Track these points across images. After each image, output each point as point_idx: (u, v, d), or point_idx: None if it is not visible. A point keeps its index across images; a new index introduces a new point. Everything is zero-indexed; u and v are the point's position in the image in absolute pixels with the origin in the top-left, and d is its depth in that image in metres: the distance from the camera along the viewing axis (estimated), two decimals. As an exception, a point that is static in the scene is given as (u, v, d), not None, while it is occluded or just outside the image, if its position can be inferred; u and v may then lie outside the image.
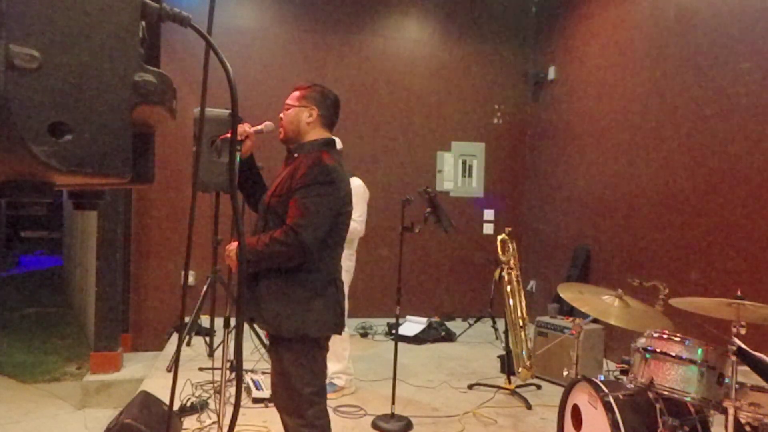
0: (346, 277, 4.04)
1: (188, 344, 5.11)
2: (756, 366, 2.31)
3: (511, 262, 4.52)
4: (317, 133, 2.46)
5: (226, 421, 2.79)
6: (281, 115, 2.50)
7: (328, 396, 2.57)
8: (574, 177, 6.21)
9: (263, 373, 4.18)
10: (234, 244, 2.37)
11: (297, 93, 2.49)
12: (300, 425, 2.31)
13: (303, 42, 6.66)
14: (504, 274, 4.50)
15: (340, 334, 2.49)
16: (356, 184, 3.91)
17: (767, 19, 3.94)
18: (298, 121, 2.45)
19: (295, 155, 2.45)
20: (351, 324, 5.45)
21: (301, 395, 2.31)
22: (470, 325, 6.41)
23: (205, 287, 4.64)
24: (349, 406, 3.91)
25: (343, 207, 2.39)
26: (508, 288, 4.48)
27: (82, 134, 0.70)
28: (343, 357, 4.03)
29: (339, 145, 4.09)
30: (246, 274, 2.39)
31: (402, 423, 3.62)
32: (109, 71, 0.72)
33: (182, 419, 3.55)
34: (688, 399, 2.51)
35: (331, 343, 3.85)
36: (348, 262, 4.00)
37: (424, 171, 6.92)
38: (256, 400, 3.86)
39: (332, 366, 3.95)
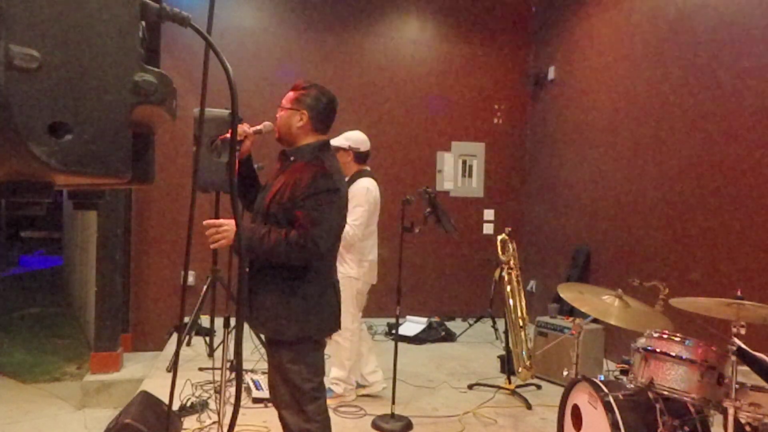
0: (359, 284, 3.84)
1: (188, 344, 5.11)
2: (756, 366, 2.31)
3: (511, 262, 4.51)
4: (310, 137, 2.46)
5: (226, 421, 2.79)
6: (277, 115, 2.51)
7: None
8: (574, 177, 6.21)
9: (263, 373, 4.17)
10: (229, 222, 2.32)
11: (291, 94, 2.49)
12: (301, 420, 2.33)
13: (303, 42, 6.66)
14: (504, 274, 4.49)
15: (337, 331, 2.53)
16: (361, 185, 3.77)
17: (767, 19, 3.94)
18: (288, 126, 2.46)
19: (292, 158, 2.46)
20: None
21: (302, 391, 2.33)
22: (470, 325, 6.41)
23: (205, 287, 4.64)
24: (349, 406, 3.91)
25: (345, 211, 2.49)
26: (508, 288, 4.48)
27: (82, 134, 0.70)
28: (344, 366, 3.91)
29: (364, 146, 3.91)
30: (246, 268, 2.40)
31: (402, 423, 3.62)
32: (109, 71, 0.72)
33: (182, 419, 3.55)
34: (688, 399, 2.51)
35: (335, 351, 3.85)
36: (359, 268, 3.80)
37: (424, 171, 6.92)
38: (256, 400, 3.87)
39: (334, 371, 3.92)
